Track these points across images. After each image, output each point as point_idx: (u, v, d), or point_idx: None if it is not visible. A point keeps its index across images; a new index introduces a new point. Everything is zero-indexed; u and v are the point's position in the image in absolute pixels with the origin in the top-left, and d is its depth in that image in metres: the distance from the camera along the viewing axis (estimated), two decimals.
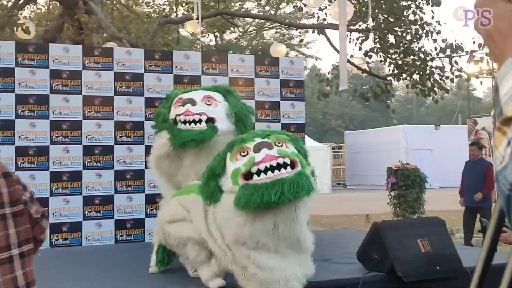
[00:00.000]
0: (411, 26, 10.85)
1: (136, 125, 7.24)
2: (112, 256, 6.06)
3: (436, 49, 11.00)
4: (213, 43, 24.31)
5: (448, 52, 10.78)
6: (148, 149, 6.96)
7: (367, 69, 11.58)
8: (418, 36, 10.90)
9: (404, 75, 11.20)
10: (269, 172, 3.36)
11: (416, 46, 11.09)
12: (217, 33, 23.22)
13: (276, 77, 8.03)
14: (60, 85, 7.01)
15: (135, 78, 7.32)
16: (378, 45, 11.14)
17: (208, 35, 22.54)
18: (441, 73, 11.00)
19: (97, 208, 6.99)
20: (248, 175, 3.43)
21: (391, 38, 11.08)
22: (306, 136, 8.17)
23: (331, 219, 12.49)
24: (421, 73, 10.82)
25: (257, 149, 3.47)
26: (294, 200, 3.35)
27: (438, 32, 10.93)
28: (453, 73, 11.06)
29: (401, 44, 10.98)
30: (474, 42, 10.61)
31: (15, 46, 6.98)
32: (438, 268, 4.61)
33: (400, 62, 11.11)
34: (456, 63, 10.92)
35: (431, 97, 11.35)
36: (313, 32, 11.98)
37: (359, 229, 9.01)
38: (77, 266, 5.59)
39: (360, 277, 4.52)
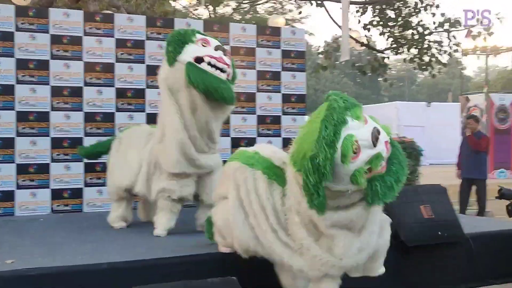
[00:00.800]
0: None
1: (138, 93, 7.21)
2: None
3: (434, 23, 11.02)
4: (205, 17, 24.12)
5: (446, 26, 10.80)
6: (150, 117, 6.99)
7: (366, 43, 11.56)
8: (417, 10, 10.90)
9: (402, 49, 11.19)
10: (386, 155, 3.06)
11: (414, 20, 11.07)
12: (210, 6, 23.04)
13: (277, 47, 8.00)
14: (61, 51, 6.94)
15: (137, 45, 7.26)
16: (377, 18, 11.11)
17: (197, 14, 22.35)
18: (439, 47, 11.03)
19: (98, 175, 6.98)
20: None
21: (390, 12, 11.05)
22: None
23: None
24: (419, 47, 10.84)
25: (375, 141, 2.96)
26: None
27: (437, 6, 10.93)
28: (450, 48, 11.09)
29: (400, 18, 10.97)
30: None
31: (14, 10, 6.87)
32: (440, 233, 4.68)
33: (398, 36, 11.10)
34: (454, 37, 10.95)
35: (428, 71, 11.38)
36: (312, 4, 11.89)
37: None
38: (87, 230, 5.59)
39: None
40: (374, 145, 2.96)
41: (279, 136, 7.93)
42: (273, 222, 3.47)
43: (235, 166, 3.74)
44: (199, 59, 4.62)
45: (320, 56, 12.24)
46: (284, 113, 7.98)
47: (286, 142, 7.87)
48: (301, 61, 8.18)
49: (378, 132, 2.98)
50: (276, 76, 7.97)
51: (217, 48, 4.75)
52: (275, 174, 3.52)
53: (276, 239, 3.47)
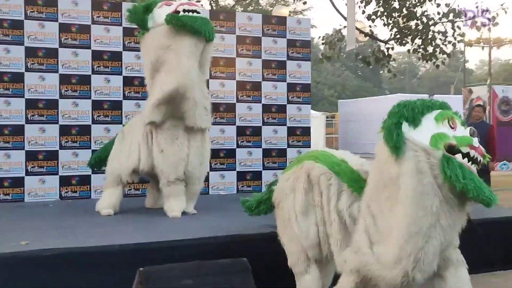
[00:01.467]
0: None
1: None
2: None
3: (439, 13, 11.05)
4: (207, 8, 24.11)
5: (450, 17, 10.83)
6: None
7: (370, 33, 11.59)
8: (421, 0, 10.92)
9: (406, 40, 11.23)
10: (471, 164, 2.93)
11: (419, 10, 11.10)
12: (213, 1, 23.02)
13: (283, 36, 8.05)
14: (69, 39, 7.00)
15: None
16: (381, 9, 11.15)
17: (202, 4, 22.34)
18: (443, 38, 11.07)
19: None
20: (450, 149, 2.92)
21: (395, 2, 11.08)
22: None
23: None
24: (423, 37, 10.87)
25: (472, 133, 2.97)
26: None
27: None
28: (455, 38, 11.13)
29: (404, 8, 11.00)
30: (477, 7, 10.65)
31: None
32: None
33: (402, 26, 11.13)
34: (459, 27, 10.99)
35: (432, 62, 11.41)
36: None
37: None
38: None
39: None
40: (470, 134, 2.97)
41: (284, 125, 7.99)
42: (340, 237, 3.37)
43: (321, 170, 3.51)
44: (176, 12, 5.08)
45: (321, 48, 12.22)
46: (289, 102, 8.04)
47: (291, 131, 7.97)
48: (306, 51, 8.22)
49: (474, 134, 2.98)
50: (281, 65, 8.02)
51: None
52: (360, 187, 3.33)
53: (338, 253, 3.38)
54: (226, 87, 7.70)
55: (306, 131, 8.20)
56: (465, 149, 2.91)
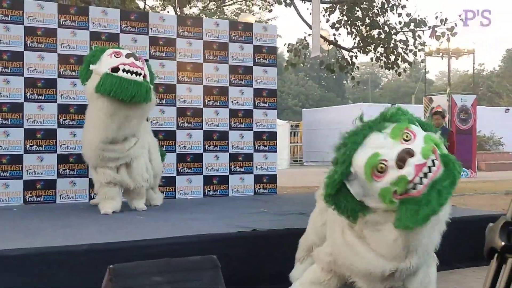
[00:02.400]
0: None
1: None
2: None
3: (400, 23, 11.34)
4: (173, 14, 24.09)
5: (412, 26, 11.13)
6: None
7: (334, 41, 11.81)
8: (384, 10, 11.20)
9: (369, 48, 11.47)
10: (424, 180, 2.82)
11: (382, 20, 11.37)
12: (177, 9, 23.04)
13: (249, 42, 8.15)
14: (35, 42, 6.96)
15: (111, 38, 7.32)
16: (345, 18, 11.38)
17: (168, 11, 22.37)
18: (405, 47, 11.36)
19: None
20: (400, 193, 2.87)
21: (358, 12, 11.32)
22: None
23: (293, 190, 12.74)
24: (386, 46, 11.13)
25: (401, 163, 2.84)
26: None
27: (403, 7, 11.26)
28: (416, 47, 11.43)
29: (367, 17, 11.25)
30: (436, 17, 11.00)
31: None
32: None
33: (365, 35, 11.38)
34: (419, 37, 11.30)
35: (393, 70, 11.69)
36: (281, 3, 12.09)
37: None
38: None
39: None
40: (399, 166, 2.82)
41: (251, 129, 8.07)
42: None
43: None
44: (115, 69, 5.45)
45: (285, 58, 12.37)
46: (256, 107, 8.13)
47: (258, 136, 8.06)
48: (272, 57, 8.34)
49: (409, 154, 2.83)
50: (248, 70, 8.11)
51: (128, 56, 5.57)
52: None
53: None
54: (193, 92, 7.75)
55: (273, 136, 8.31)
56: (410, 186, 2.84)
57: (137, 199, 6.12)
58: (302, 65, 12.79)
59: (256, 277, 4.24)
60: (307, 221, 5.09)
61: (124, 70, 5.44)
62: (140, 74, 5.52)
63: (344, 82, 51.70)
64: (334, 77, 49.15)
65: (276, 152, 8.42)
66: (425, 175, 2.82)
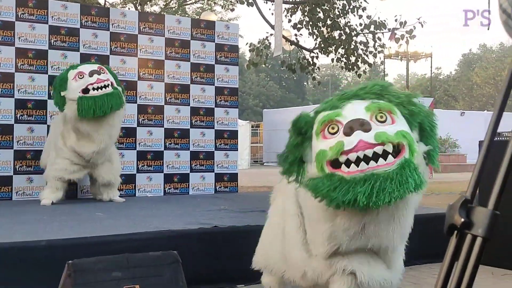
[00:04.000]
0: (339, 1, 11.28)
1: None
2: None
3: (361, 24, 11.52)
4: (134, 10, 23.86)
5: (372, 28, 11.32)
6: None
7: (295, 41, 11.90)
8: (345, 12, 11.35)
9: (330, 49, 11.61)
10: (362, 164, 2.44)
11: (343, 21, 11.52)
12: (138, 6, 22.82)
13: (211, 40, 8.14)
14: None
15: (71, 33, 7.20)
16: (307, 18, 11.48)
17: (129, 8, 22.13)
18: (365, 48, 11.54)
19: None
20: (335, 163, 2.50)
21: (320, 13, 11.44)
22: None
23: (254, 189, 12.77)
24: (346, 47, 11.29)
25: (348, 130, 2.50)
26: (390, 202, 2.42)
27: (364, 9, 11.43)
28: (376, 49, 11.62)
29: (328, 19, 11.38)
30: (396, 20, 11.22)
31: None
32: None
33: (327, 36, 11.51)
34: (379, 39, 11.50)
35: (354, 71, 11.85)
36: (243, 3, 12.12)
37: None
38: None
39: None
40: (345, 133, 2.51)
41: (212, 128, 8.06)
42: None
43: None
44: (86, 90, 5.94)
45: (247, 58, 12.41)
46: (217, 105, 8.13)
47: (219, 134, 8.06)
48: (234, 55, 8.36)
49: (362, 126, 2.50)
50: (209, 68, 8.10)
51: (91, 74, 6.04)
52: None
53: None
54: (155, 89, 7.69)
55: (234, 134, 8.32)
56: (342, 158, 2.48)
57: (113, 191, 6.63)
58: (263, 65, 12.84)
59: (217, 273, 4.24)
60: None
61: (93, 89, 5.94)
62: (108, 86, 6.04)
63: (305, 83, 52.15)
64: (295, 78, 49.49)
65: (237, 150, 8.43)
66: (367, 160, 2.43)
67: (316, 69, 12.21)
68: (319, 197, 2.48)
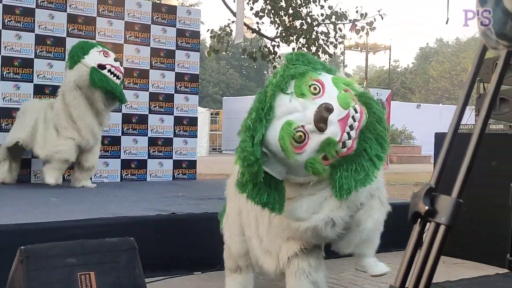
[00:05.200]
0: None
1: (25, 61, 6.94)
2: None
3: (322, 15, 11.55)
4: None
5: (333, 19, 11.37)
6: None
7: (257, 29, 11.86)
8: (306, 1, 11.36)
9: (291, 38, 11.62)
10: (352, 132, 2.46)
11: (304, 11, 11.54)
12: None
13: (172, 25, 8.02)
14: None
15: (25, 13, 6.97)
16: (269, 7, 11.45)
17: None
18: (326, 39, 11.59)
19: None
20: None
21: (282, 2, 11.43)
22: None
23: (212, 177, 12.72)
24: (308, 37, 11.31)
25: (322, 124, 2.41)
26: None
27: None
28: (336, 39, 11.69)
29: (290, 8, 11.37)
30: (357, 12, 11.31)
31: None
32: None
33: (288, 25, 11.51)
34: (340, 29, 11.57)
35: None
36: None
37: None
38: None
39: None
40: (320, 129, 2.38)
41: (171, 114, 7.97)
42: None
43: None
44: (102, 66, 6.04)
45: (207, 45, 12.32)
46: (177, 92, 8.03)
47: (178, 120, 7.98)
48: (195, 41, 8.26)
49: (328, 110, 2.37)
50: (170, 54, 7.99)
51: (116, 60, 6.28)
52: None
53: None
54: None
55: (193, 121, 8.25)
56: (339, 146, 2.43)
57: (87, 178, 6.63)
58: (224, 53, 12.77)
59: (174, 260, 4.20)
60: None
61: (109, 71, 6.06)
62: (119, 79, 6.24)
63: (265, 72, 52.16)
64: (256, 66, 49.45)
65: (196, 137, 8.37)
66: (351, 127, 2.39)
67: (277, 58, 12.20)
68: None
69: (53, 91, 6.74)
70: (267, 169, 2.46)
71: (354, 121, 2.40)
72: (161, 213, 4.47)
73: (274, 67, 12.52)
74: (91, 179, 6.76)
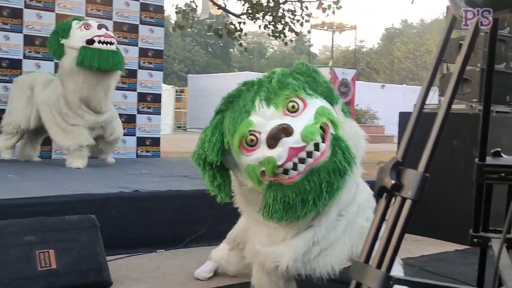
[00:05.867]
0: None
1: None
2: None
3: None
4: None
5: None
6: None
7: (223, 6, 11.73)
8: None
9: (257, 15, 11.54)
10: (300, 165, 2.35)
11: None
12: None
13: None
14: None
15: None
16: None
17: None
18: (292, 17, 11.55)
19: None
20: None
21: None
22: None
23: (177, 155, 12.62)
24: (274, 14, 11.25)
25: (273, 142, 2.35)
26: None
27: None
28: (303, 18, 11.66)
29: None
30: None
31: None
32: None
33: (254, 2, 11.41)
34: (306, 8, 11.55)
35: (281, 39, 11.86)
36: None
37: None
38: None
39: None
40: (270, 145, 2.36)
41: (135, 90, 7.83)
42: None
43: None
44: (90, 41, 5.64)
45: (172, 22, 12.13)
46: (141, 67, 7.88)
47: (142, 97, 7.85)
48: (160, 16, 8.10)
49: (285, 133, 2.35)
50: (133, 29, 7.81)
51: (100, 27, 5.80)
52: None
53: None
54: None
55: (157, 98, 8.12)
56: (279, 171, 2.38)
57: (109, 152, 6.57)
58: (189, 29, 12.60)
59: (137, 238, 4.15)
60: (189, 183, 5.09)
61: (99, 42, 5.67)
62: (113, 44, 5.79)
63: (231, 50, 51.91)
64: (221, 44, 49.14)
65: (160, 114, 8.26)
66: (303, 160, 2.35)
67: (243, 35, 12.10)
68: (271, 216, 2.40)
69: None
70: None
71: (310, 157, 2.36)
72: (124, 191, 4.39)
73: (240, 44, 12.44)
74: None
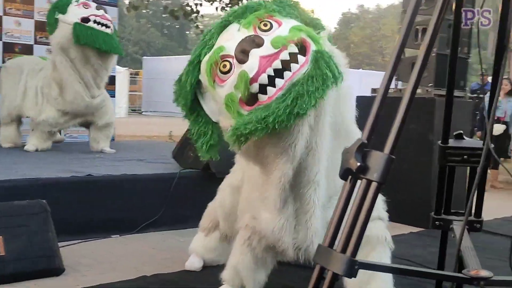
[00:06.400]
0: None
1: None
2: None
3: None
4: None
5: None
6: None
7: None
8: None
9: None
10: (278, 80, 2.07)
11: None
12: None
13: None
14: None
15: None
16: None
17: None
18: None
19: None
20: (250, 100, 2.10)
21: None
22: None
23: (132, 138, 12.45)
24: None
25: (241, 55, 2.09)
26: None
27: None
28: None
29: None
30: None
31: None
32: None
33: None
34: None
35: None
36: None
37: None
38: None
39: (176, 172, 4.66)
40: (240, 60, 2.10)
41: None
42: None
43: None
44: (86, 19, 5.48)
45: (126, 1, 11.86)
46: None
47: None
48: None
49: (253, 44, 2.10)
50: None
51: (98, 8, 5.70)
52: None
53: None
54: (23, 26, 7.12)
55: (111, 80, 7.84)
56: (254, 88, 2.09)
57: (105, 140, 6.34)
58: (144, 10, 12.38)
59: (91, 224, 4.05)
60: (145, 167, 5.00)
61: (95, 22, 5.52)
62: (109, 27, 5.65)
63: (187, 32, 51.35)
64: (177, 26, 48.49)
65: (114, 97, 8.06)
66: (281, 74, 2.06)
67: (200, 17, 11.93)
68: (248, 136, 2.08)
69: None
70: (201, 101, 2.30)
71: (289, 70, 2.07)
72: (76, 175, 4.27)
73: (197, 26, 12.28)
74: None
